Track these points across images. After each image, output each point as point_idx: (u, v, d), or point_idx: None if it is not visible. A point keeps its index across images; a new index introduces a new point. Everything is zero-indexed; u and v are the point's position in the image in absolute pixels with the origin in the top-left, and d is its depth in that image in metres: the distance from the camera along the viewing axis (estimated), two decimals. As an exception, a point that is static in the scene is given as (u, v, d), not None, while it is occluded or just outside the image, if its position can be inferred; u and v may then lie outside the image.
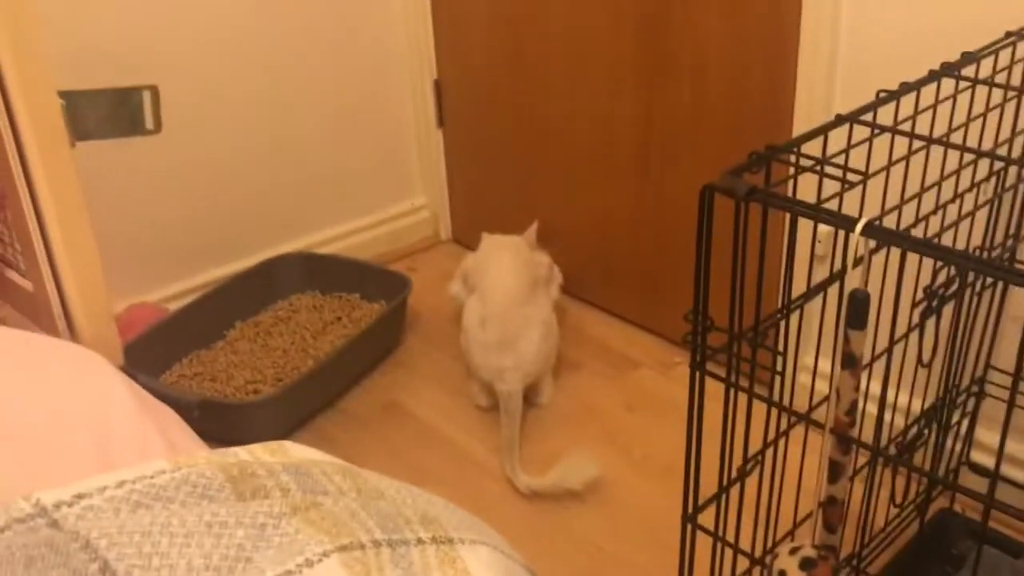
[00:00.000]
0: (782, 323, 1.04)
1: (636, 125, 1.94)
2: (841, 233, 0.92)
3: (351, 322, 2.11)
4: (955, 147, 1.04)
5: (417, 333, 2.16)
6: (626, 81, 1.92)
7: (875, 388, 1.53)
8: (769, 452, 1.14)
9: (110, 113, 1.07)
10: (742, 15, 1.67)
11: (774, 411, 1.09)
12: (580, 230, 2.17)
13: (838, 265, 0.99)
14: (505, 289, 1.87)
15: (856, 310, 0.90)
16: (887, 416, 1.27)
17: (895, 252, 0.90)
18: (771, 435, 1.12)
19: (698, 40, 1.76)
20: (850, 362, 0.92)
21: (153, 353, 1.92)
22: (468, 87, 2.29)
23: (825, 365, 1.57)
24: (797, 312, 1.07)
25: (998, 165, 1.19)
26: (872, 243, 0.89)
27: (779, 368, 0.98)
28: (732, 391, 1.00)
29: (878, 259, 1.03)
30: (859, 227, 0.86)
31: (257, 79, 2.12)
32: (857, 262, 0.93)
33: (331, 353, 1.89)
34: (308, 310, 2.15)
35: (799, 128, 1.63)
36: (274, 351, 2.01)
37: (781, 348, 1.04)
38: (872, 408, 1.32)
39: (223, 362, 1.98)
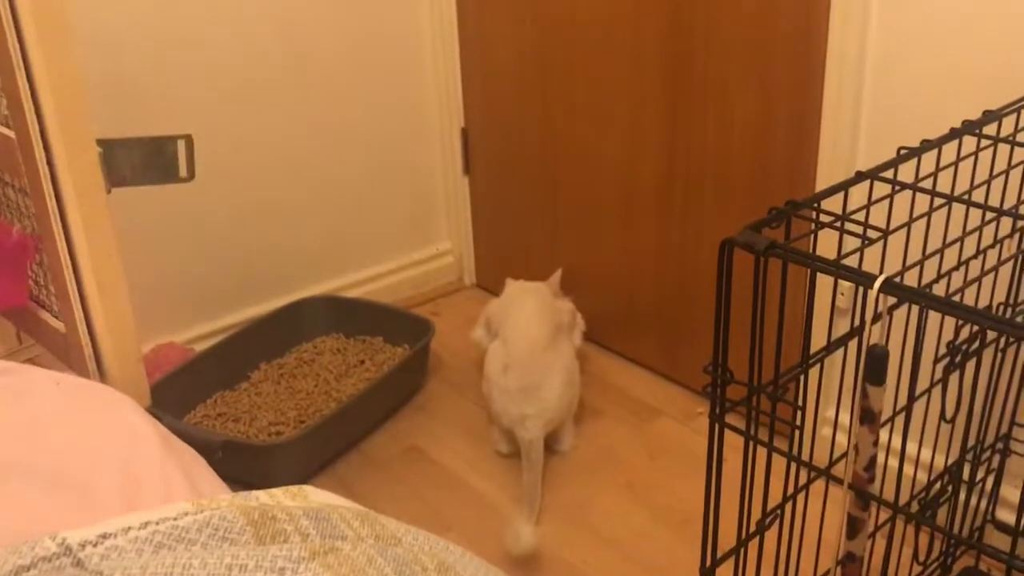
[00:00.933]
0: (801, 377, 1.04)
1: (659, 175, 1.96)
2: (861, 288, 0.92)
3: (374, 365, 2.12)
4: (976, 205, 1.05)
5: (440, 378, 2.17)
6: (649, 131, 1.94)
7: (897, 443, 1.52)
8: (788, 506, 1.13)
9: (145, 161, 1.11)
10: (767, 68, 1.69)
11: (793, 465, 1.09)
12: (603, 278, 2.18)
13: (858, 320, 0.99)
14: (528, 335, 1.88)
15: (874, 366, 0.91)
16: (909, 471, 1.27)
17: (917, 307, 0.91)
18: (790, 489, 1.12)
19: (722, 91, 1.78)
20: (869, 417, 0.92)
21: (178, 393, 1.94)
22: (494, 135, 2.32)
23: (845, 418, 1.57)
24: (817, 366, 1.07)
25: (1021, 223, 1.19)
26: (891, 300, 0.89)
27: (798, 422, 0.98)
28: (752, 444, 1.00)
29: (901, 313, 1.03)
30: (877, 284, 0.87)
31: (287, 126, 2.16)
32: (876, 318, 0.93)
33: (353, 396, 1.90)
34: (332, 353, 2.17)
35: (822, 180, 1.64)
36: (297, 393, 2.03)
37: (801, 402, 1.04)
38: (894, 463, 1.32)
39: (247, 403, 2.00)
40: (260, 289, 2.22)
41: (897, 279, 0.89)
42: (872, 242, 0.96)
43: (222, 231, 2.13)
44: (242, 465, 1.79)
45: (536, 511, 1.70)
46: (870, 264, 1.04)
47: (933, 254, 1.01)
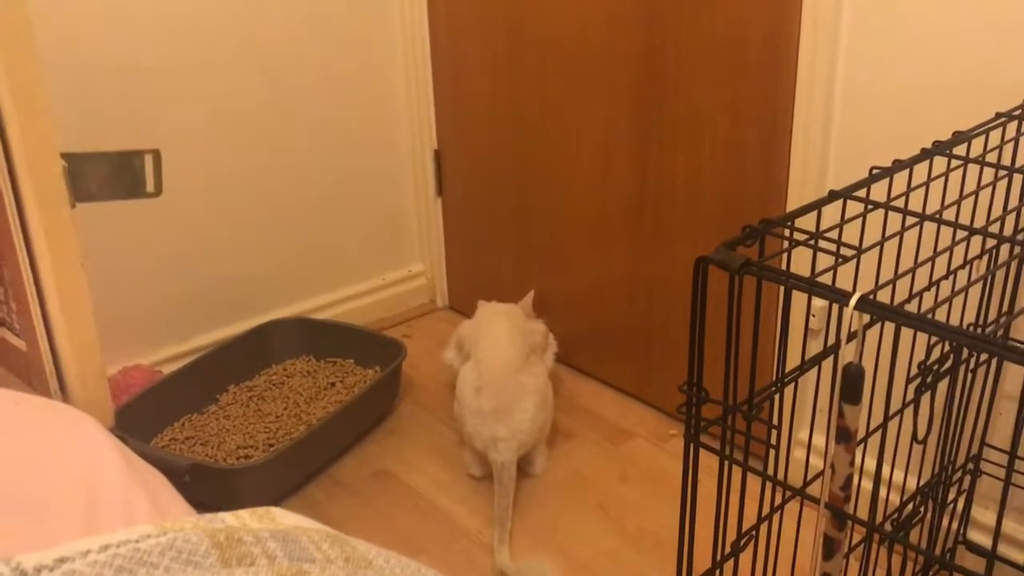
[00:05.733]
0: (776, 397, 1.04)
1: (630, 197, 1.96)
2: (835, 307, 0.92)
3: (345, 388, 2.10)
4: (947, 224, 1.05)
5: (411, 400, 2.15)
6: (621, 154, 1.95)
7: (871, 463, 1.52)
8: (764, 527, 1.12)
9: (112, 176, 1.08)
10: (738, 88, 1.70)
11: (768, 485, 1.08)
12: (575, 300, 2.18)
13: (832, 338, 0.99)
14: (501, 357, 1.86)
15: (850, 385, 0.90)
16: (883, 492, 1.26)
17: (889, 326, 0.91)
18: (765, 509, 1.11)
19: (694, 114, 1.79)
20: (845, 436, 0.92)
21: (146, 416, 1.90)
22: (467, 158, 2.32)
23: (820, 439, 1.57)
24: (792, 385, 1.07)
25: (990, 242, 1.20)
26: (866, 318, 0.89)
27: (773, 442, 0.97)
28: (727, 464, 1.00)
29: (872, 333, 1.03)
30: (853, 301, 0.86)
31: (258, 147, 2.15)
32: (851, 336, 0.93)
33: (323, 419, 1.88)
34: (302, 375, 2.14)
35: (793, 199, 1.65)
36: (266, 416, 2.00)
37: (776, 421, 1.03)
38: (868, 484, 1.31)
39: (215, 427, 1.96)
40: (230, 311, 2.20)
41: (871, 298, 0.89)
42: (846, 260, 0.96)
43: (192, 251, 2.11)
44: (210, 489, 1.75)
45: (508, 534, 1.68)
46: (843, 282, 1.04)
47: (906, 273, 1.02)
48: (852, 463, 0.93)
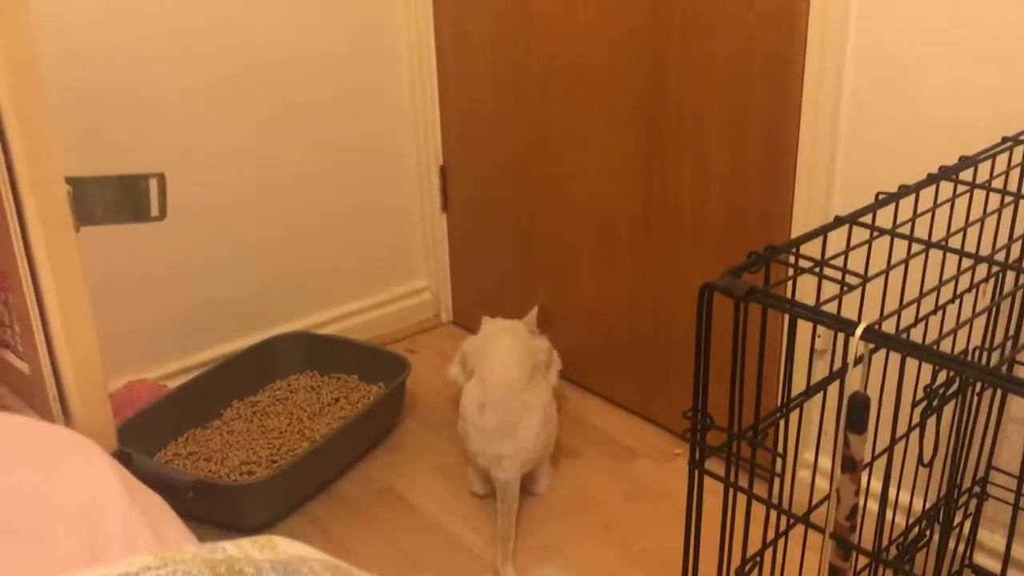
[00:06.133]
0: (781, 423, 1.03)
1: (635, 218, 1.96)
2: (841, 334, 0.92)
3: (349, 404, 2.09)
4: (953, 251, 1.05)
5: (415, 416, 2.14)
6: (625, 174, 1.94)
7: (876, 487, 1.51)
8: (768, 552, 1.12)
9: (116, 200, 1.08)
10: (742, 109, 1.70)
11: (773, 511, 1.07)
12: (580, 316, 2.17)
13: (838, 363, 0.98)
14: (505, 374, 1.86)
15: (856, 414, 0.90)
16: (888, 516, 1.25)
17: (895, 352, 0.90)
18: (770, 535, 1.11)
19: (698, 136, 1.79)
20: (850, 466, 0.91)
21: (150, 431, 1.90)
22: (473, 174, 2.32)
23: (825, 462, 1.56)
24: (797, 410, 1.06)
25: (996, 269, 1.19)
26: (871, 346, 0.88)
27: (778, 470, 0.97)
28: (731, 491, 0.99)
29: (878, 357, 1.02)
30: (859, 331, 0.86)
31: (263, 161, 2.15)
32: (856, 361, 0.92)
33: (326, 435, 1.88)
34: (306, 391, 2.14)
35: (798, 224, 1.64)
36: (270, 432, 1.99)
37: (781, 449, 1.03)
38: (873, 507, 1.30)
39: (219, 442, 1.96)
40: (235, 325, 2.20)
41: (876, 327, 0.88)
42: (851, 288, 0.96)
43: (198, 266, 2.11)
44: (213, 506, 1.75)
45: (511, 553, 1.68)
46: (848, 308, 1.03)
47: (912, 302, 1.01)
48: (858, 492, 0.92)
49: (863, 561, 1.26)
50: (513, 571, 1.64)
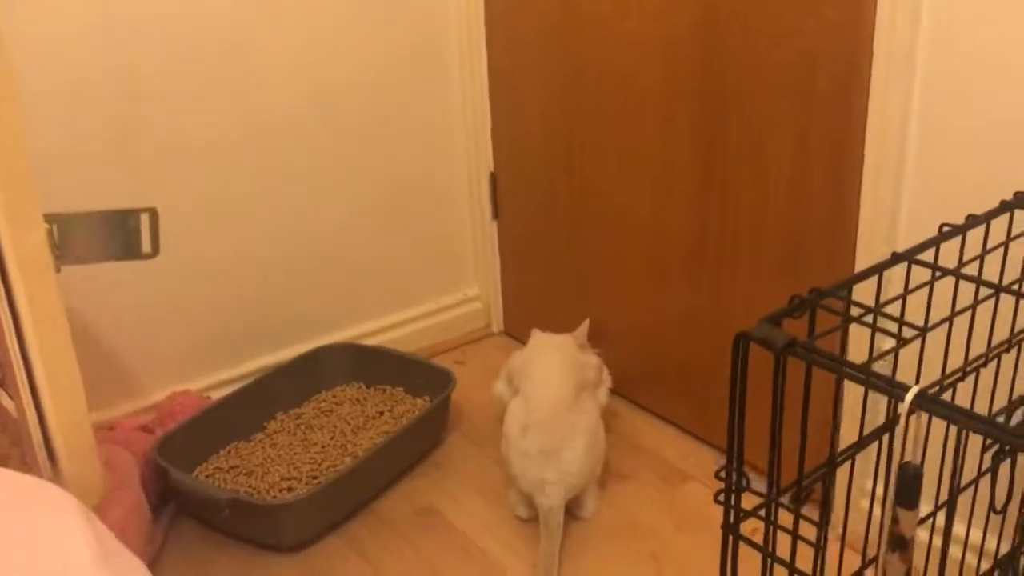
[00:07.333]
0: (826, 485, 0.94)
1: (690, 234, 1.87)
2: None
3: (393, 418, 2.05)
4: (1026, 297, 0.94)
5: (460, 431, 2.09)
6: (681, 189, 1.85)
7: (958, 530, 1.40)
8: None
9: (105, 237, 1.04)
10: (804, 127, 1.59)
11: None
12: (631, 332, 2.09)
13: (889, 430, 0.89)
14: (550, 395, 1.79)
15: (906, 486, 0.80)
16: (957, 552, 1.15)
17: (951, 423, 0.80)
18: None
19: (757, 151, 1.68)
20: (899, 544, 0.82)
21: (191, 444, 1.88)
22: (523, 181, 2.25)
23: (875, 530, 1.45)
24: (849, 470, 0.97)
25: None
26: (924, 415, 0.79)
27: (822, 541, 0.88)
28: (769, 562, 0.90)
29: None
30: (909, 397, 0.77)
31: (312, 168, 2.11)
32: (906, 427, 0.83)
33: (368, 452, 1.83)
34: (351, 403, 2.10)
35: (862, 244, 1.53)
36: (312, 446, 1.96)
37: (826, 512, 0.94)
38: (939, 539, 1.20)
39: (260, 456, 1.93)
40: (282, 335, 2.17)
41: (933, 391, 0.79)
42: (907, 342, 0.86)
43: (243, 275, 2.08)
44: (250, 524, 1.73)
45: (552, 585, 1.61)
46: (906, 360, 0.93)
47: (977, 360, 0.91)
48: (908, 573, 0.83)
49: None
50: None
